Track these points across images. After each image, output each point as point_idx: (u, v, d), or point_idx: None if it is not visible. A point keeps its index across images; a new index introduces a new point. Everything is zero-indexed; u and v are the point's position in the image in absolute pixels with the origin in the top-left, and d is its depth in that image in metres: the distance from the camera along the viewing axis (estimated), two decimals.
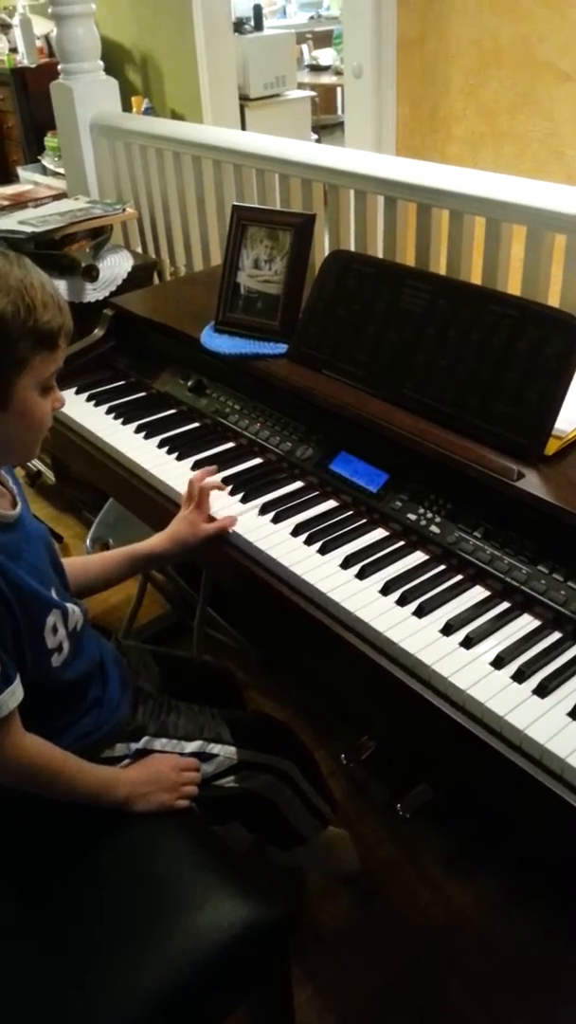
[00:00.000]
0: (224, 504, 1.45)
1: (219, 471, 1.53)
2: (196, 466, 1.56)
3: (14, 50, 4.58)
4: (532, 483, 1.23)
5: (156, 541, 1.41)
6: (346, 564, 1.29)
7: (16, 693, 1.08)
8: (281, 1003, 1.28)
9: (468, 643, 1.13)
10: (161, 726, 1.33)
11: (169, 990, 1.06)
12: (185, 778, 1.27)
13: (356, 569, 1.27)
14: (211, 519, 1.41)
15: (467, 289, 1.44)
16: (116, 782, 1.22)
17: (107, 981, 1.06)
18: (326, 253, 1.63)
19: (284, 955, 1.22)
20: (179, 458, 1.59)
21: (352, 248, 2.03)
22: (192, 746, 1.33)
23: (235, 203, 1.82)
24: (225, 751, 1.35)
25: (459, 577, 1.25)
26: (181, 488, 1.48)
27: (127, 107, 3.53)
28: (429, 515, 1.32)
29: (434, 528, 1.31)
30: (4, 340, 1.00)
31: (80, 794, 1.19)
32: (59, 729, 1.21)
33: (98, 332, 1.94)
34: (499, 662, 1.10)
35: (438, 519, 1.31)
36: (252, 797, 1.38)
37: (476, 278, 1.79)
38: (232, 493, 1.48)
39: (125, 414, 1.73)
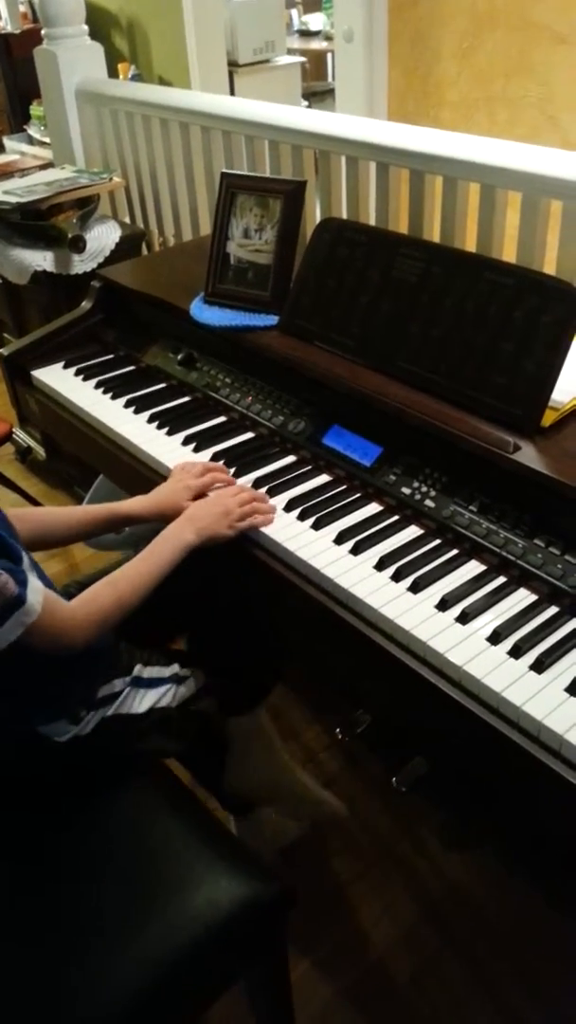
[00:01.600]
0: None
1: (210, 446, 1.51)
2: (187, 441, 1.53)
3: None
4: (528, 455, 1.21)
5: (137, 504, 1.38)
6: (340, 539, 1.27)
7: (35, 587, 1.06)
8: (277, 978, 1.29)
9: (464, 618, 1.11)
10: (142, 656, 1.32)
11: (165, 967, 1.06)
12: (242, 498, 1.31)
13: (350, 545, 1.25)
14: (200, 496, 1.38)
15: (462, 257, 1.41)
16: (179, 537, 1.25)
17: (103, 958, 1.06)
18: (317, 221, 1.59)
19: (280, 931, 1.21)
20: (169, 433, 1.56)
21: (344, 216, 2.00)
22: (170, 670, 1.34)
23: (224, 170, 1.78)
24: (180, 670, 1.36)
25: (454, 551, 1.23)
26: (171, 463, 1.46)
27: (113, 74, 3.45)
28: (424, 489, 1.30)
29: (429, 502, 1.29)
30: None
31: (160, 577, 1.21)
32: (67, 670, 1.19)
33: (85, 305, 1.91)
34: (495, 637, 1.08)
35: (433, 493, 1.29)
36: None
37: (471, 246, 1.76)
38: None
39: (114, 388, 1.70)
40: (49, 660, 1.15)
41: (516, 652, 1.06)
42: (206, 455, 1.49)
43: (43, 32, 2.72)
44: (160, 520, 1.36)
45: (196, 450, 1.51)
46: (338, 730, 1.74)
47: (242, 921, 1.11)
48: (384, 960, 1.56)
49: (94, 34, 2.78)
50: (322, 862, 1.72)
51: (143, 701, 1.30)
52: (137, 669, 1.31)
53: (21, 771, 1.21)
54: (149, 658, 1.33)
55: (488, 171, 1.63)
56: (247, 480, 1.42)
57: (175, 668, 1.35)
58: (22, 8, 4.35)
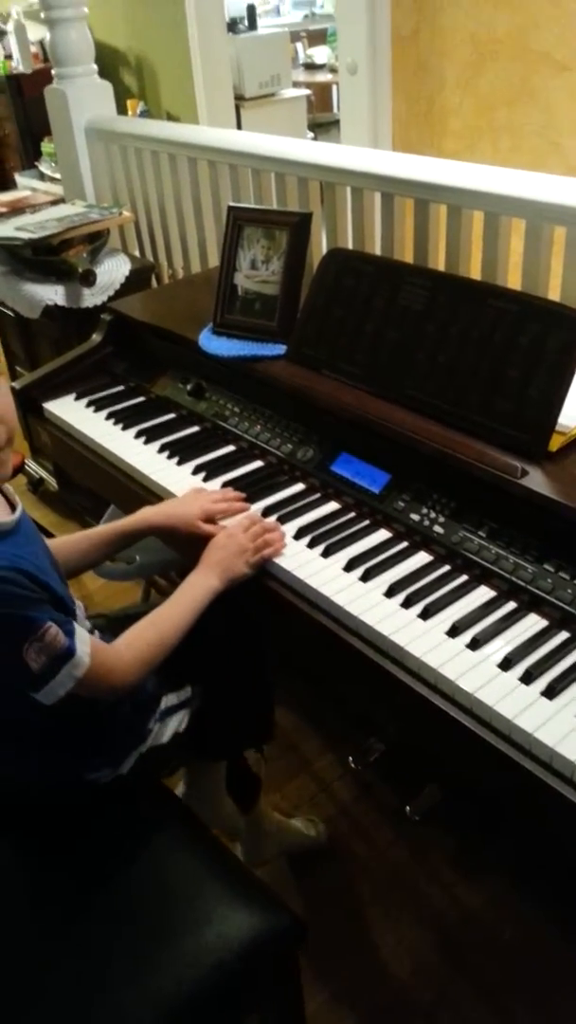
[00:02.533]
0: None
1: (219, 475, 1.52)
2: (196, 470, 1.54)
3: (9, 57, 4.57)
4: (536, 480, 1.21)
5: (147, 512, 1.40)
6: (349, 567, 1.27)
7: (83, 637, 1.08)
8: (292, 1012, 1.27)
9: (475, 645, 1.11)
10: (162, 685, 1.33)
11: (179, 1002, 1.05)
12: (253, 532, 1.31)
13: (360, 572, 1.26)
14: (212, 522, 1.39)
15: (467, 285, 1.42)
16: (205, 585, 1.27)
17: (117, 993, 1.05)
18: (323, 252, 1.61)
19: (294, 963, 1.20)
20: (179, 463, 1.57)
21: (350, 246, 2.02)
22: (186, 693, 1.35)
23: (231, 203, 1.81)
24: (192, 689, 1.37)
25: (464, 577, 1.23)
26: (181, 492, 1.47)
27: (122, 110, 3.51)
28: (432, 515, 1.31)
29: (438, 528, 1.29)
30: None
31: (191, 623, 1.23)
32: (117, 717, 1.22)
33: (96, 337, 1.93)
34: (507, 664, 1.08)
35: (442, 519, 1.30)
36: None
37: (475, 273, 1.77)
38: None
39: (125, 419, 1.72)
40: (101, 709, 1.17)
41: (527, 678, 1.05)
42: (216, 484, 1.50)
43: (53, 72, 2.77)
44: (168, 531, 1.38)
45: (206, 479, 1.52)
46: (351, 759, 1.73)
47: (255, 954, 1.10)
48: (399, 992, 1.54)
49: (103, 72, 2.83)
50: (335, 892, 1.70)
51: (168, 730, 1.31)
52: (163, 701, 1.32)
53: (61, 811, 1.23)
54: (168, 685, 1.33)
55: (492, 199, 1.64)
56: (257, 508, 1.43)
57: (188, 691, 1.36)
58: (33, 49, 4.44)
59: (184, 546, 1.40)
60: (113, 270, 2.43)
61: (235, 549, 1.30)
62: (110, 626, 1.33)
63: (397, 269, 1.49)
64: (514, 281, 1.70)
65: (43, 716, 1.10)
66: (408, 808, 1.62)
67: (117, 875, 1.18)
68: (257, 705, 1.53)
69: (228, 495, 1.44)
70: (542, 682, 1.05)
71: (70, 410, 1.79)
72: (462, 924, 1.63)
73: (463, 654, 1.10)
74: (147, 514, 1.40)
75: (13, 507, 1.13)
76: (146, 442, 1.65)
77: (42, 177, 4.01)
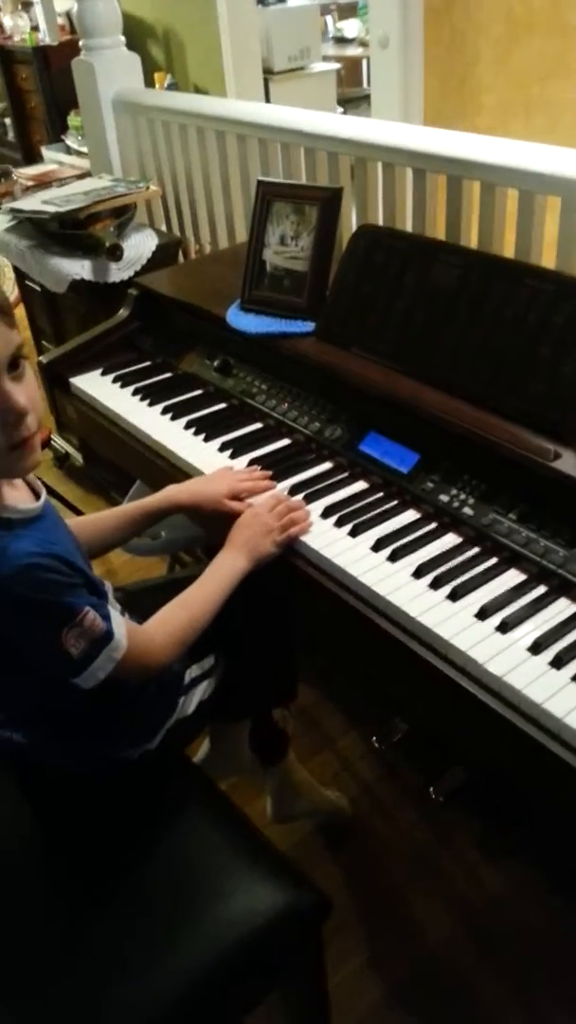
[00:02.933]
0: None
1: (246, 452, 1.51)
2: (223, 447, 1.53)
3: (35, 28, 4.54)
4: (569, 463, 1.19)
5: (172, 490, 1.40)
6: (377, 547, 1.26)
7: (118, 620, 1.09)
8: (314, 988, 1.28)
9: (504, 628, 1.10)
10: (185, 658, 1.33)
11: (202, 975, 1.06)
12: (279, 511, 1.31)
13: (387, 552, 1.25)
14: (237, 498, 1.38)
15: (500, 263, 1.40)
16: (232, 565, 1.27)
17: (142, 965, 1.06)
18: (353, 228, 1.59)
19: (318, 940, 1.21)
20: (206, 439, 1.57)
21: (380, 223, 1.99)
22: (209, 662, 1.36)
23: (260, 178, 1.78)
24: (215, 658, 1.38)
25: (494, 560, 1.22)
26: (207, 469, 1.47)
27: (149, 83, 3.48)
28: (462, 496, 1.29)
29: (467, 510, 1.27)
30: None
31: (220, 603, 1.23)
32: (150, 695, 1.23)
33: (123, 312, 1.92)
34: (536, 647, 1.07)
35: (471, 500, 1.28)
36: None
37: (509, 252, 1.74)
38: None
39: (151, 395, 1.71)
40: (135, 689, 1.18)
41: (558, 663, 1.04)
42: (242, 461, 1.49)
43: (81, 43, 2.75)
44: (193, 508, 1.38)
45: (232, 456, 1.51)
46: (374, 738, 1.73)
47: (279, 930, 1.11)
48: (420, 972, 1.54)
49: (130, 44, 2.80)
50: (359, 872, 1.71)
51: (193, 701, 1.32)
52: (188, 673, 1.32)
53: (88, 788, 1.24)
54: (192, 657, 1.34)
55: (527, 176, 1.61)
56: (284, 486, 1.42)
57: (211, 660, 1.36)
58: (60, 20, 4.41)
59: (210, 523, 1.40)
60: (140, 244, 2.42)
61: (261, 528, 1.29)
62: (128, 600, 1.33)
63: (429, 246, 1.47)
64: (548, 260, 1.67)
65: (76, 702, 1.11)
66: (432, 789, 1.61)
67: (143, 850, 1.18)
68: (279, 663, 1.52)
69: (255, 474, 1.43)
70: (573, 667, 1.04)
71: (96, 385, 1.79)
72: (485, 905, 1.63)
73: (492, 637, 1.09)
74: (172, 492, 1.40)
75: (37, 495, 1.13)
76: (172, 418, 1.64)
77: (68, 151, 3.99)
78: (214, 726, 1.62)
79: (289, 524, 1.30)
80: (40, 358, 1.88)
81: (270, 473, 1.44)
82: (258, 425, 1.59)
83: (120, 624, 1.09)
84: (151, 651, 1.14)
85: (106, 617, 1.06)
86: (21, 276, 2.75)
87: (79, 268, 2.31)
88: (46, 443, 2.52)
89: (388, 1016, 1.49)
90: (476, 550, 1.24)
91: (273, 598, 1.44)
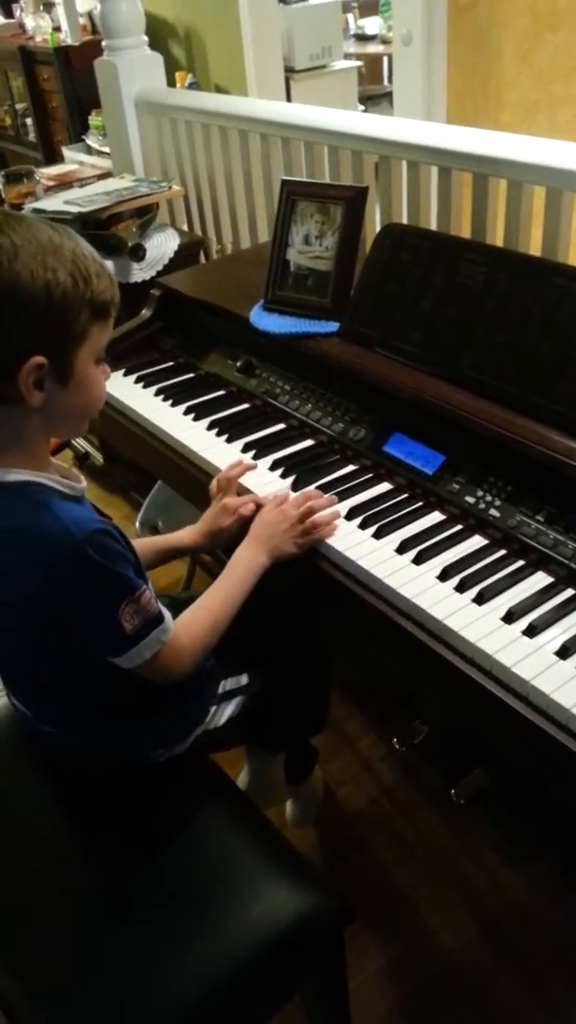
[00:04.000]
0: (275, 488, 1.42)
1: (269, 453, 1.50)
2: (246, 448, 1.53)
3: (57, 29, 4.55)
4: None
5: (185, 536, 1.41)
6: (402, 549, 1.25)
7: (166, 611, 1.11)
8: (335, 991, 1.27)
9: (531, 631, 1.09)
10: (221, 670, 1.34)
11: (224, 977, 1.06)
12: (302, 512, 1.30)
13: (412, 554, 1.24)
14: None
15: (528, 261, 1.38)
16: (253, 560, 1.26)
17: (164, 965, 1.06)
18: (378, 227, 1.58)
19: (339, 943, 1.20)
20: (228, 440, 1.56)
21: (405, 221, 1.98)
22: (244, 678, 1.36)
23: (284, 177, 1.78)
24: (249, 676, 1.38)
25: (520, 563, 1.20)
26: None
27: (171, 83, 3.48)
28: (488, 498, 1.28)
29: (493, 512, 1.26)
30: (66, 314, 0.98)
31: (241, 601, 1.23)
32: (182, 698, 1.23)
33: (145, 313, 1.92)
34: (564, 652, 1.05)
35: (498, 502, 1.27)
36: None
37: (535, 250, 1.72)
38: (283, 476, 1.45)
39: (174, 396, 1.71)
40: (166, 691, 1.17)
41: None
42: (266, 463, 1.49)
43: (103, 43, 2.75)
44: (212, 544, 1.39)
45: (256, 457, 1.50)
46: (395, 740, 1.72)
47: (301, 933, 1.10)
48: (441, 975, 1.53)
49: (152, 43, 2.80)
50: (379, 874, 1.70)
51: (224, 713, 1.32)
52: (221, 686, 1.32)
53: (117, 787, 1.24)
54: (227, 670, 1.34)
55: (554, 174, 1.59)
56: (307, 488, 1.41)
57: (245, 678, 1.36)
58: (81, 20, 4.41)
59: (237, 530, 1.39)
60: (162, 244, 2.42)
61: (285, 526, 1.29)
62: None
63: (455, 245, 1.46)
64: None
65: (112, 691, 1.12)
66: (453, 792, 1.60)
67: (167, 850, 1.18)
68: (316, 694, 1.55)
69: (256, 498, 1.40)
70: None
71: (119, 385, 1.79)
72: (505, 908, 1.62)
73: (519, 641, 1.08)
74: (186, 538, 1.41)
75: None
76: (195, 419, 1.64)
77: (89, 151, 3.99)
78: (252, 759, 1.62)
79: (312, 527, 1.29)
80: None
81: (292, 477, 1.43)
82: (281, 426, 1.59)
83: (167, 611, 1.11)
84: (177, 652, 1.13)
85: (157, 600, 1.08)
86: None
87: None
88: (66, 443, 2.53)
89: (407, 1019, 1.48)
90: (502, 552, 1.23)
91: (305, 621, 1.44)
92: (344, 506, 1.35)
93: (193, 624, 1.18)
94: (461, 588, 1.17)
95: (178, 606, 1.21)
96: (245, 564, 1.27)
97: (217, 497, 1.40)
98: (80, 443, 3.01)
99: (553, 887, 1.64)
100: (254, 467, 1.46)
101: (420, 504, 1.34)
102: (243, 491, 1.42)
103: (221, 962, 1.06)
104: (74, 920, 1.13)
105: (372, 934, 1.59)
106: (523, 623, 1.10)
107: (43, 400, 1.00)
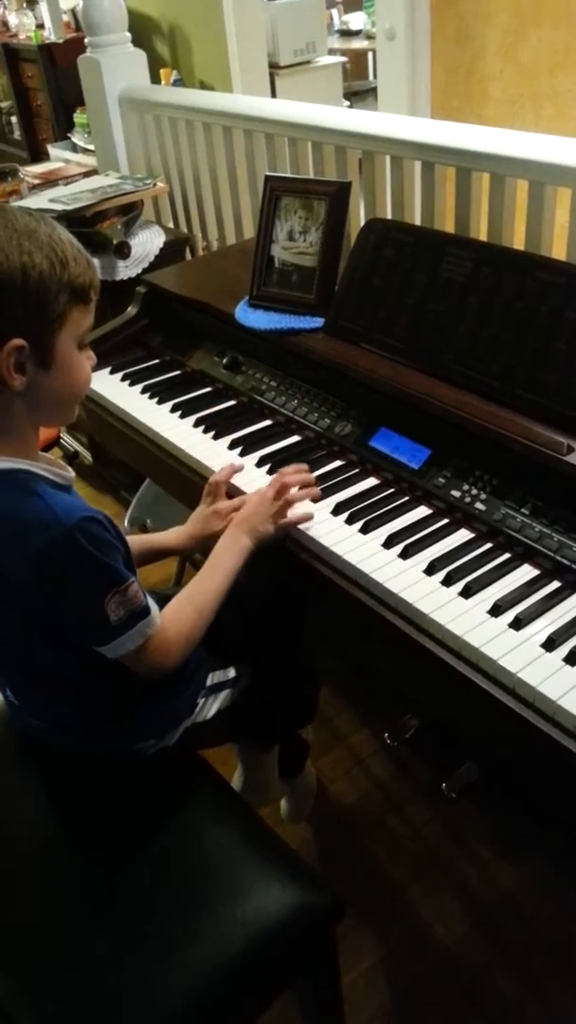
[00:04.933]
0: (261, 485, 1.41)
1: (256, 450, 1.50)
2: (233, 445, 1.53)
3: (40, 26, 4.53)
4: None
5: (173, 537, 1.41)
6: (388, 543, 1.25)
7: (151, 601, 1.11)
8: (328, 987, 1.27)
9: (517, 624, 1.09)
10: (209, 663, 1.34)
11: (216, 974, 1.05)
12: (278, 491, 1.30)
13: (399, 549, 1.24)
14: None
15: (512, 255, 1.38)
16: (235, 545, 1.27)
17: (155, 962, 1.05)
18: (362, 222, 1.58)
19: (331, 940, 1.20)
20: (215, 437, 1.56)
21: (389, 216, 1.98)
22: (232, 671, 1.35)
23: (268, 173, 1.78)
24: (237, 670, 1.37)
25: (506, 556, 1.21)
26: (217, 466, 1.46)
27: (155, 80, 3.47)
28: (474, 492, 1.28)
29: (479, 505, 1.26)
30: (44, 296, 0.98)
31: (227, 589, 1.23)
32: (169, 690, 1.23)
33: (131, 310, 1.91)
34: (550, 644, 1.06)
35: (483, 496, 1.27)
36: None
37: (519, 244, 1.72)
38: (270, 473, 1.45)
39: (160, 393, 1.70)
40: (154, 682, 1.17)
41: (572, 659, 1.03)
42: (252, 459, 1.48)
43: (86, 40, 2.74)
44: (199, 546, 1.39)
45: (242, 454, 1.50)
46: (386, 735, 1.72)
47: (292, 929, 1.10)
48: (434, 970, 1.54)
49: (135, 41, 2.80)
50: (371, 869, 1.70)
51: (212, 707, 1.32)
52: (209, 678, 1.32)
53: (104, 782, 1.25)
54: (214, 663, 1.34)
55: (537, 167, 1.59)
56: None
57: (232, 672, 1.36)
58: (65, 18, 4.40)
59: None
60: (147, 242, 2.41)
61: (263, 508, 1.29)
62: None
63: (439, 240, 1.46)
64: (559, 252, 1.66)
65: (104, 683, 1.12)
66: (444, 786, 1.60)
67: (157, 847, 1.18)
68: (303, 686, 1.55)
69: (244, 497, 1.41)
70: None
71: (105, 383, 1.78)
72: (498, 902, 1.62)
73: (506, 633, 1.08)
74: (172, 539, 1.41)
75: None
76: (182, 416, 1.63)
77: (74, 148, 3.97)
78: (244, 758, 1.62)
79: (287, 504, 1.30)
80: None
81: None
82: (267, 422, 1.59)
83: (154, 604, 1.10)
84: (163, 645, 1.13)
85: (145, 593, 1.08)
86: None
87: None
88: (55, 442, 2.52)
89: (401, 1015, 1.48)
90: (488, 546, 1.23)
91: (290, 613, 1.44)
92: (331, 501, 1.35)
93: (179, 617, 1.18)
94: (448, 582, 1.17)
95: (167, 602, 1.21)
96: (227, 550, 1.27)
97: (206, 501, 1.40)
98: (69, 442, 3.00)
99: (546, 880, 1.64)
100: (241, 468, 1.46)
101: (406, 499, 1.35)
102: (233, 490, 1.42)
103: (213, 959, 1.06)
104: (65, 919, 1.13)
105: (365, 930, 1.59)
106: (509, 616, 1.10)
107: (25, 384, 1.00)
